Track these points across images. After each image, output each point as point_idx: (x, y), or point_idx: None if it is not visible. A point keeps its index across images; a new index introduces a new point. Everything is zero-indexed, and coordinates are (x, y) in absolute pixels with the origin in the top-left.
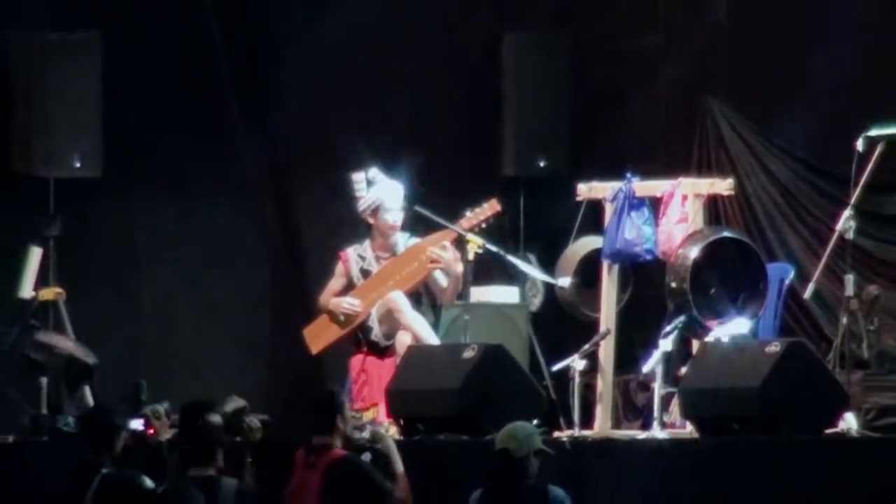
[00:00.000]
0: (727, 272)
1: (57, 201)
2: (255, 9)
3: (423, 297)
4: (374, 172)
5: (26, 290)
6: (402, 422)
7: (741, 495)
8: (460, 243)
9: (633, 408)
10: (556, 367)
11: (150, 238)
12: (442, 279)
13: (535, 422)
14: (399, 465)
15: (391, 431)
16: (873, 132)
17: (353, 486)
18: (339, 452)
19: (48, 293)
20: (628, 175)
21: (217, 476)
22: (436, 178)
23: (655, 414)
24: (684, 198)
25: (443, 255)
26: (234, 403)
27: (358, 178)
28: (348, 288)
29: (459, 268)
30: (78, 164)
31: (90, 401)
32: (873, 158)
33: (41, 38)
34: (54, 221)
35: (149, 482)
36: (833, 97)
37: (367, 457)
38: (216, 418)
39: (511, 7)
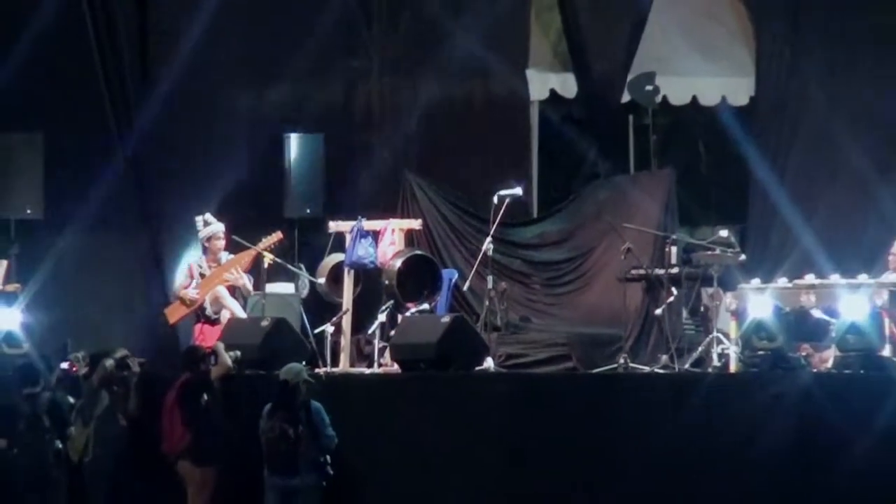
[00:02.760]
0: (418, 274)
1: (17, 233)
2: (139, 115)
3: (237, 289)
4: (208, 216)
5: None
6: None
7: (425, 410)
8: (259, 258)
9: (362, 355)
10: (316, 331)
11: (73, 258)
12: (245, 283)
13: (303, 363)
14: (224, 359)
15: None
16: (502, 192)
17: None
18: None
19: (11, 287)
20: (360, 217)
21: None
22: (247, 219)
23: (376, 358)
24: (393, 231)
25: (229, 278)
26: (122, 352)
27: (199, 219)
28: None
29: (241, 281)
30: (29, 210)
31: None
32: (503, 208)
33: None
34: (13, 245)
35: (70, 399)
36: (469, 170)
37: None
38: (111, 361)
39: (292, 115)
